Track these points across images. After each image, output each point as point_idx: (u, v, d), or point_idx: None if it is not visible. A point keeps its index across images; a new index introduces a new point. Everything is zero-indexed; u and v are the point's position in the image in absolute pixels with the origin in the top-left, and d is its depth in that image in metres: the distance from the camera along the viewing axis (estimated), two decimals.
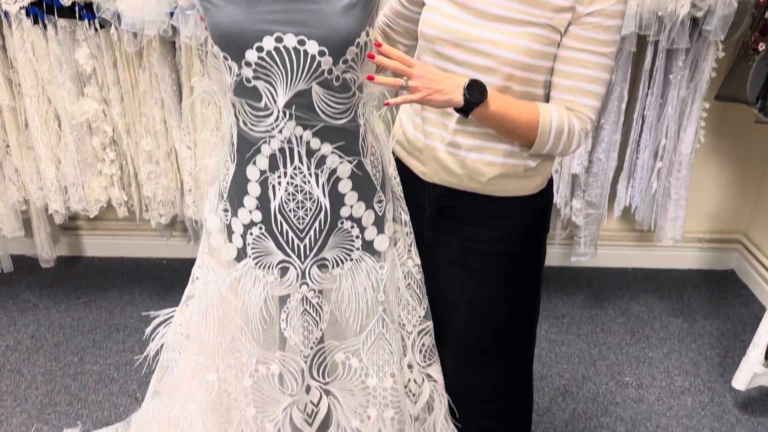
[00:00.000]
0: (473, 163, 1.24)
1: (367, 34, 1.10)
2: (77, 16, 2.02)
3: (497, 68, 1.16)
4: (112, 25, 2.02)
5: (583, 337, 2.35)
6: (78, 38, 2.07)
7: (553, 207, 2.35)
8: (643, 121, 2.20)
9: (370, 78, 1.08)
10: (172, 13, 1.94)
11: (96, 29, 2.05)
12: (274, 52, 1.05)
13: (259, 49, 1.05)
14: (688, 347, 2.30)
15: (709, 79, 2.13)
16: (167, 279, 2.66)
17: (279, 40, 1.05)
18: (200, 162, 2.11)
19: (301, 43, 1.05)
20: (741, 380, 1.93)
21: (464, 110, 1.13)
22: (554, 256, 2.75)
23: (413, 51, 1.33)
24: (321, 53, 1.06)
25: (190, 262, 1.42)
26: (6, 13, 2.03)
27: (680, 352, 2.27)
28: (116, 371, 2.14)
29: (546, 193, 1.32)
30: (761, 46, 1.99)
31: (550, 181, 1.34)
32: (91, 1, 1.97)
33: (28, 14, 2.02)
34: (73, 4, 1.99)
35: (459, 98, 1.11)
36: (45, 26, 2.04)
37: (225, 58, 1.08)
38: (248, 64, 1.07)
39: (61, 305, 2.48)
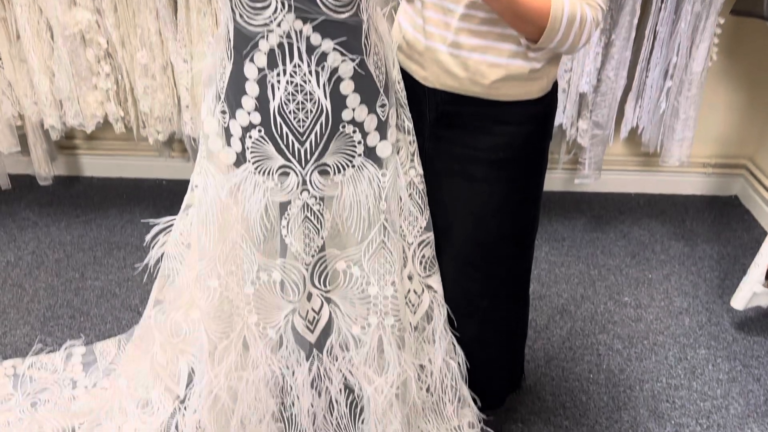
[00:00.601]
0: (476, 64, 1.20)
1: None
2: None
3: None
4: None
5: (583, 259, 2.35)
6: None
7: (559, 128, 2.32)
8: (654, 38, 2.12)
9: None
10: None
11: None
12: None
13: None
14: (688, 270, 2.30)
15: None
16: (167, 199, 2.64)
17: None
18: (196, 66, 2.05)
19: None
20: (740, 299, 1.94)
21: None
22: (557, 181, 2.72)
23: None
24: None
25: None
26: None
27: (680, 275, 2.28)
28: (118, 287, 2.16)
29: (550, 97, 1.28)
30: None
31: (555, 85, 1.30)
32: None
33: None
34: None
35: None
36: None
37: None
38: None
39: (61, 223, 2.47)
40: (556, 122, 2.26)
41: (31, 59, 2.14)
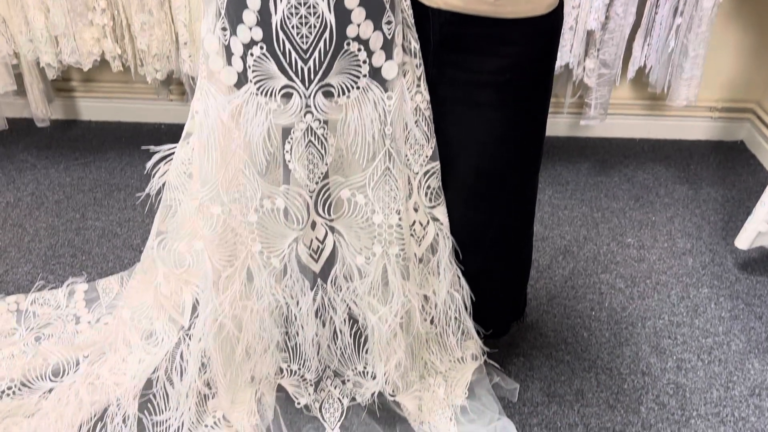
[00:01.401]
0: None
1: None
2: None
3: None
4: None
5: (587, 202, 2.34)
6: None
7: (565, 68, 2.28)
8: None
9: None
10: None
11: None
12: None
13: None
14: (692, 212, 2.29)
15: None
16: (166, 143, 2.60)
17: None
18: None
19: None
20: (744, 239, 1.93)
21: None
22: (561, 125, 2.69)
23: None
24: None
25: None
26: None
27: (684, 217, 2.27)
28: (119, 227, 2.14)
29: (557, 13, 1.25)
30: None
31: (561, 1, 1.26)
32: None
33: None
34: None
35: None
36: None
37: None
38: None
39: (60, 166, 2.44)
40: (563, 61, 2.22)
41: None
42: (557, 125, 2.68)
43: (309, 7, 1.09)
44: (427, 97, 1.31)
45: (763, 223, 1.89)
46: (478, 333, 1.54)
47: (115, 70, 2.24)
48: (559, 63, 2.21)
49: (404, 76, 1.26)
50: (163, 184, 1.45)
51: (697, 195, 2.38)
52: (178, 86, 2.57)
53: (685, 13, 2.12)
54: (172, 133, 2.67)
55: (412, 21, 1.24)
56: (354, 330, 1.45)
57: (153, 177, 1.43)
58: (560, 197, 2.36)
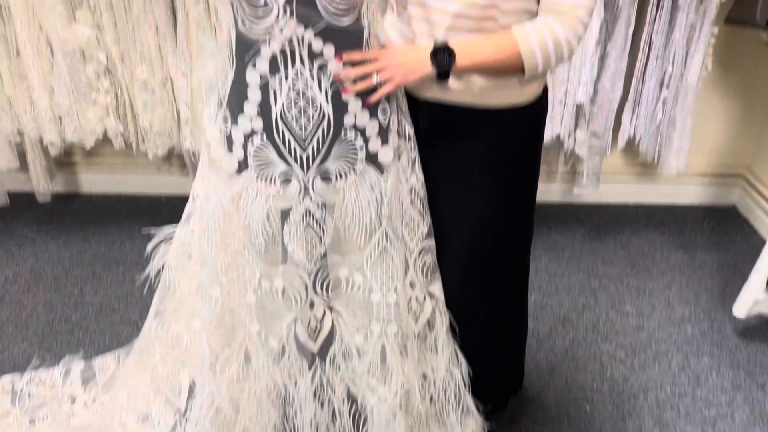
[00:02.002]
0: (466, 73, 1.21)
1: None
2: None
3: None
4: None
5: (583, 269, 2.35)
6: None
7: (557, 139, 2.33)
8: (649, 48, 2.15)
9: (346, 92, 1.13)
10: None
11: None
12: None
13: None
14: (689, 279, 2.30)
15: (718, 3, 2.07)
16: (166, 215, 2.58)
17: None
18: (196, 80, 2.06)
19: None
20: (741, 307, 1.94)
21: (441, 76, 1.15)
22: (555, 192, 2.73)
23: None
24: None
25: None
26: None
27: (680, 284, 2.28)
28: (117, 302, 2.14)
29: (542, 100, 1.30)
30: None
31: (545, 88, 1.31)
32: None
33: None
34: None
35: (429, 70, 1.14)
36: None
37: None
38: None
39: (60, 240, 2.46)
40: (554, 133, 2.27)
41: (31, 75, 2.15)
42: (550, 192, 2.72)
43: (308, 99, 1.13)
44: (421, 178, 1.35)
45: (759, 291, 1.91)
46: (477, 409, 1.52)
47: (117, 147, 2.29)
48: (551, 134, 2.27)
49: (399, 158, 1.30)
50: (163, 265, 1.46)
51: (692, 261, 2.40)
52: (178, 159, 2.62)
53: (671, 86, 2.19)
54: (171, 204, 2.69)
55: (406, 107, 1.29)
56: (353, 411, 1.43)
57: (152, 258, 1.44)
58: (557, 264, 2.37)
